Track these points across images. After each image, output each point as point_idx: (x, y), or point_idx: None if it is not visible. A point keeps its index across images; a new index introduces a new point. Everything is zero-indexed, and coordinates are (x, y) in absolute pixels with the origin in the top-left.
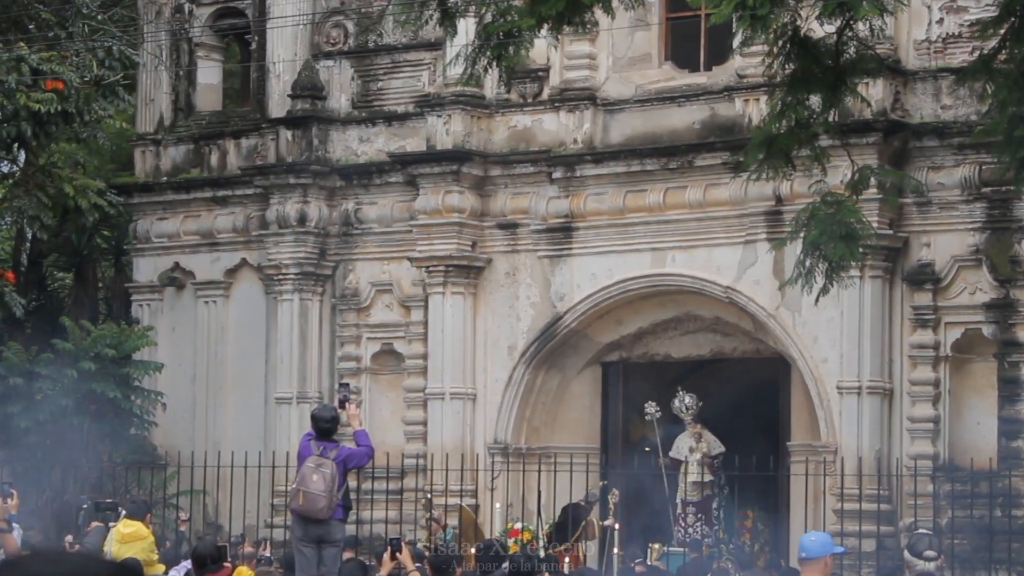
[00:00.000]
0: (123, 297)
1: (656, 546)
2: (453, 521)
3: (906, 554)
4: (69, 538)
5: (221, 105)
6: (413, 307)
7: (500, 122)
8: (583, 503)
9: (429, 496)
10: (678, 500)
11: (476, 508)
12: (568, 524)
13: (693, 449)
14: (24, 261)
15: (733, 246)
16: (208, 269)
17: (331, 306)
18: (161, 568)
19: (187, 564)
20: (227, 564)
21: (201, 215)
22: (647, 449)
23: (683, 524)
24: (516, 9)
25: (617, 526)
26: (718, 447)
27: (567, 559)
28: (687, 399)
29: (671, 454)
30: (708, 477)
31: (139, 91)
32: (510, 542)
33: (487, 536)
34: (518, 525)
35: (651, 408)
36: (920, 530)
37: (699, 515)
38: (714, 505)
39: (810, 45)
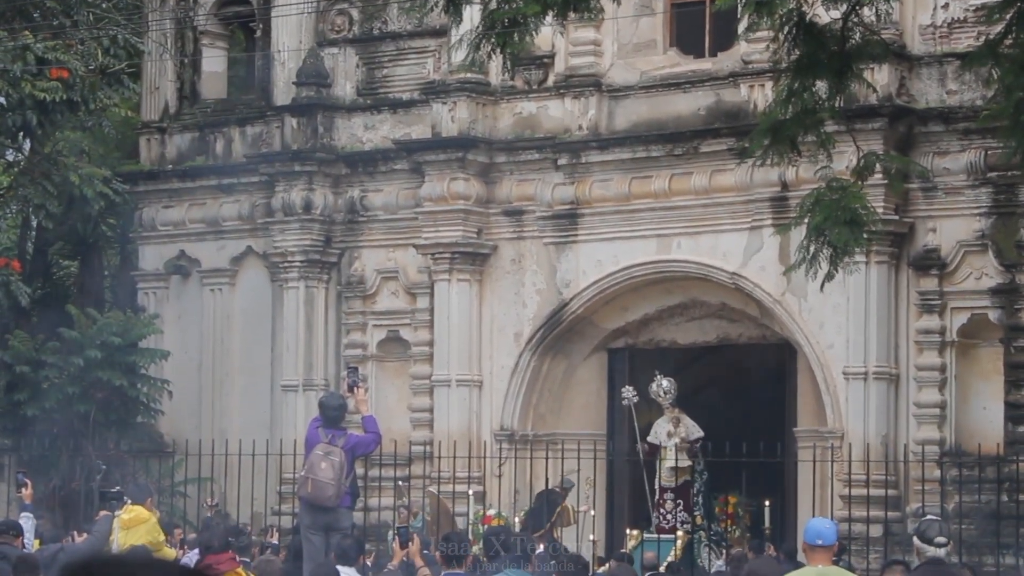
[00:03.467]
0: (129, 285)
1: (634, 532)
2: (475, 506)
3: (916, 540)
4: (75, 533)
5: (226, 93)
6: (419, 294)
7: (505, 109)
8: (558, 489)
9: (400, 483)
10: (656, 486)
11: (481, 495)
12: (543, 510)
13: (671, 434)
14: (30, 250)
15: (739, 232)
16: (214, 257)
17: (337, 293)
18: (171, 552)
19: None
20: (231, 551)
21: (206, 203)
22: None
23: (661, 510)
24: None
25: (592, 512)
26: (696, 432)
27: (542, 546)
28: (664, 383)
29: (648, 439)
30: (686, 462)
31: (144, 79)
32: (482, 529)
33: (458, 523)
34: (492, 512)
35: (628, 392)
36: (929, 516)
37: (677, 501)
38: (693, 491)
39: (816, 31)
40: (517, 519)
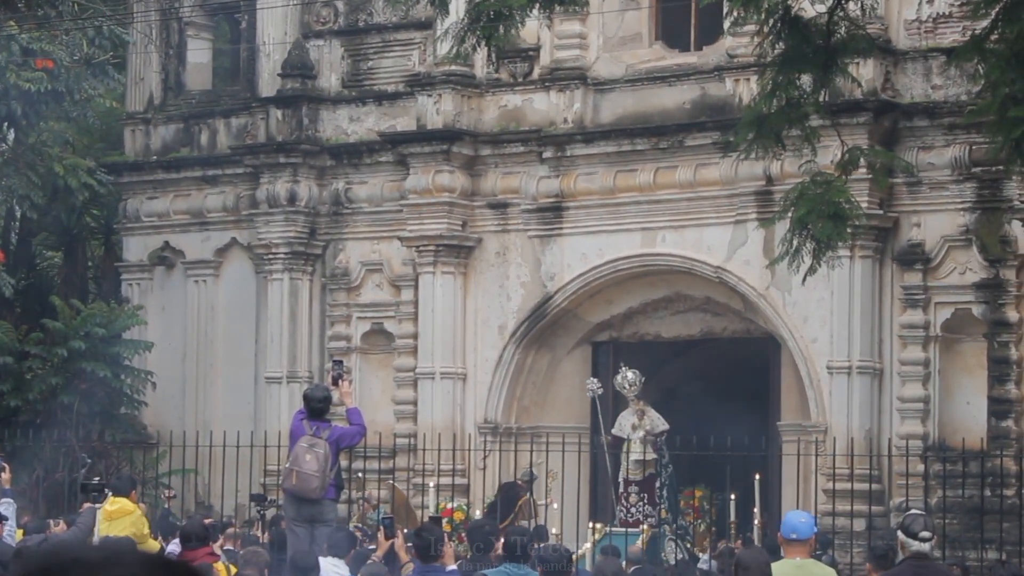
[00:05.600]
0: (113, 276)
1: (598, 526)
2: (460, 499)
3: (900, 534)
4: (51, 522)
5: (211, 84)
6: (403, 287)
7: (490, 101)
8: (519, 482)
9: (360, 475)
10: (620, 479)
11: (471, 488)
12: (504, 504)
13: (635, 427)
14: (13, 240)
15: (723, 226)
16: (198, 248)
17: (321, 285)
18: (155, 544)
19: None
20: (212, 544)
21: (191, 194)
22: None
23: (625, 503)
24: None
25: (555, 505)
26: (661, 425)
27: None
28: (629, 375)
29: (613, 431)
30: (651, 455)
31: (129, 70)
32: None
33: (418, 515)
34: (451, 504)
35: (593, 384)
36: (913, 510)
37: (642, 494)
38: (657, 484)
39: (801, 25)
40: (478, 512)
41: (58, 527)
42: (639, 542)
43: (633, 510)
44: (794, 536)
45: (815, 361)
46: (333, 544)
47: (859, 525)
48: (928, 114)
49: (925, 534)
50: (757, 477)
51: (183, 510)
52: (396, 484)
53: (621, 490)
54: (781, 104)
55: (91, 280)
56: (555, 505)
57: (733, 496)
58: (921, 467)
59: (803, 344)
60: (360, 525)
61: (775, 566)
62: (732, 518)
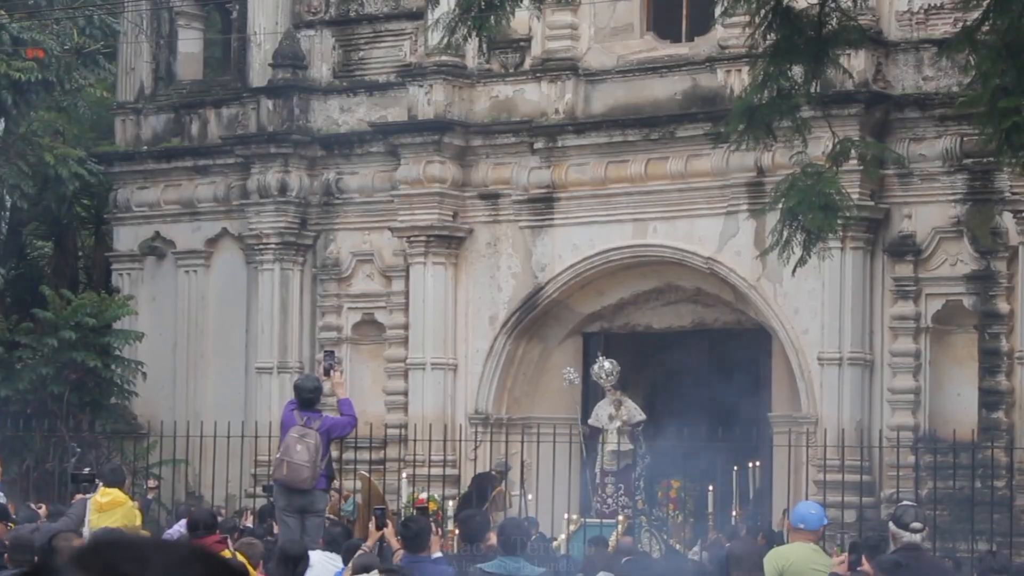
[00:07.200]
0: (103, 266)
1: (574, 518)
2: (451, 490)
3: (891, 525)
4: (41, 509)
5: (202, 74)
6: (394, 277)
7: (482, 92)
8: (493, 472)
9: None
10: (597, 470)
11: (455, 478)
12: (477, 494)
13: (612, 417)
14: (3, 230)
15: (715, 217)
16: (189, 238)
17: (312, 276)
18: (147, 535)
19: (179, 527)
20: (218, 532)
21: (182, 184)
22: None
23: (602, 495)
24: None
25: (529, 496)
26: (639, 415)
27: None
28: (606, 364)
29: (590, 422)
30: (628, 446)
31: (119, 60)
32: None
33: (390, 506)
34: (424, 495)
35: (570, 374)
36: (904, 502)
37: (619, 485)
38: (634, 475)
39: (792, 16)
40: (451, 503)
41: (43, 516)
42: (614, 533)
43: (610, 501)
44: (802, 526)
45: (806, 352)
46: (330, 540)
47: (850, 516)
48: (919, 105)
49: (916, 525)
50: (735, 469)
51: (173, 500)
52: (366, 474)
53: (598, 481)
54: (772, 95)
55: (81, 270)
56: (530, 496)
57: (711, 487)
58: (912, 458)
59: (794, 335)
60: (331, 516)
61: (791, 547)
62: (710, 509)
